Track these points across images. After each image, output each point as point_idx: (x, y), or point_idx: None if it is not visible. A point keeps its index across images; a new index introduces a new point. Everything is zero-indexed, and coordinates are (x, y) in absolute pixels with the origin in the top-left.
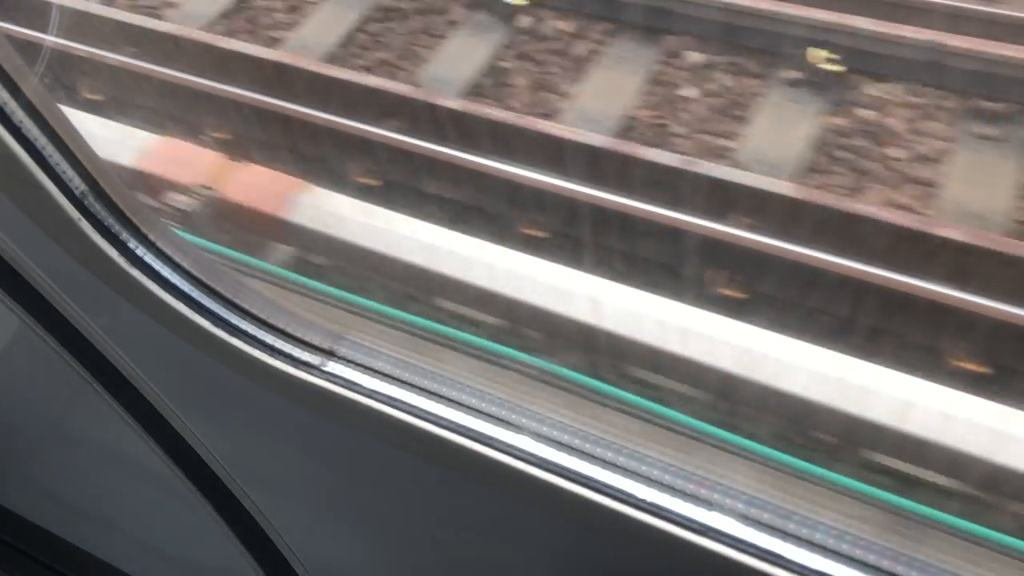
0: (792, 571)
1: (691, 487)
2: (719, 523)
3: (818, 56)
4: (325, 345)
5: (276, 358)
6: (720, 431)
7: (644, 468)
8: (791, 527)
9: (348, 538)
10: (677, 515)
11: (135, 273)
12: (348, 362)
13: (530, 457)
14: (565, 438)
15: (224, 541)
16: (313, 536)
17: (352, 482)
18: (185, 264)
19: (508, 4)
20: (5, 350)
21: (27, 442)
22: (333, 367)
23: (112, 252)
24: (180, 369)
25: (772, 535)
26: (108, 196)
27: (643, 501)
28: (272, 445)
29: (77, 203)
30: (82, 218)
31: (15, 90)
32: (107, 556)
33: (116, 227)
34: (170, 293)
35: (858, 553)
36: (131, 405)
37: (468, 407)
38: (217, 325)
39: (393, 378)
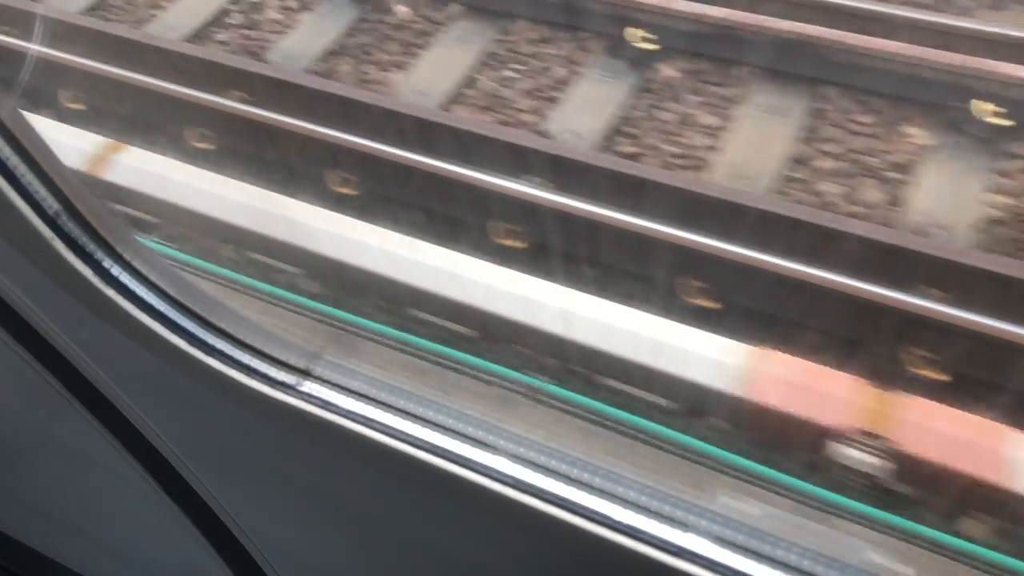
0: None
1: (667, 508)
2: (694, 544)
3: None
4: (301, 365)
5: (252, 377)
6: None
7: (620, 489)
8: (765, 548)
9: (325, 555)
10: (653, 537)
11: (110, 292)
12: (324, 382)
13: (506, 478)
14: (542, 459)
15: (203, 555)
16: (292, 553)
17: (329, 501)
18: (160, 283)
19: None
20: None
21: (2, 456)
22: (309, 387)
23: (86, 271)
24: (156, 387)
25: (746, 556)
26: (82, 215)
27: (619, 523)
28: (249, 462)
29: (51, 223)
30: (56, 238)
31: None
32: (83, 569)
33: (90, 246)
34: (145, 312)
35: (832, 575)
36: (108, 421)
37: (445, 427)
38: (192, 344)
39: (369, 398)
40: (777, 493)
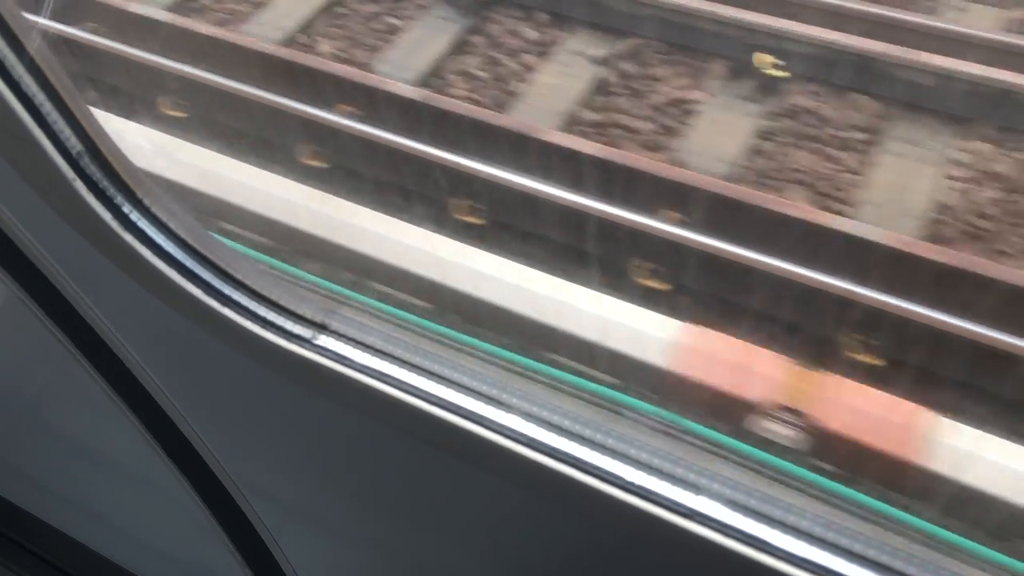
0: (777, 556)
1: (679, 471)
2: (706, 507)
3: None
4: (317, 319)
5: (267, 330)
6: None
7: (633, 451)
8: (777, 513)
9: (330, 514)
10: (665, 498)
11: (128, 238)
12: (340, 336)
13: (519, 436)
14: (555, 419)
15: (199, 515)
16: (294, 516)
17: (339, 459)
18: (179, 231)
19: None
20: None
21: (4, 414)
22: (324, 340)
23: (105, 215)
24: (167, 341)
25: (758, 520)
26: (104, 157)
27: (631, 483)
28: (258, 420)
29: (72, 163)
30: (77, 178)
31: (18, 46)
32: (80, 536)
33: (111, 190)
34: (163, 260)
35: (843, 542)
36: (115, 379)
37: (459, 385)
38: (209, 295)
39: (385, 353)
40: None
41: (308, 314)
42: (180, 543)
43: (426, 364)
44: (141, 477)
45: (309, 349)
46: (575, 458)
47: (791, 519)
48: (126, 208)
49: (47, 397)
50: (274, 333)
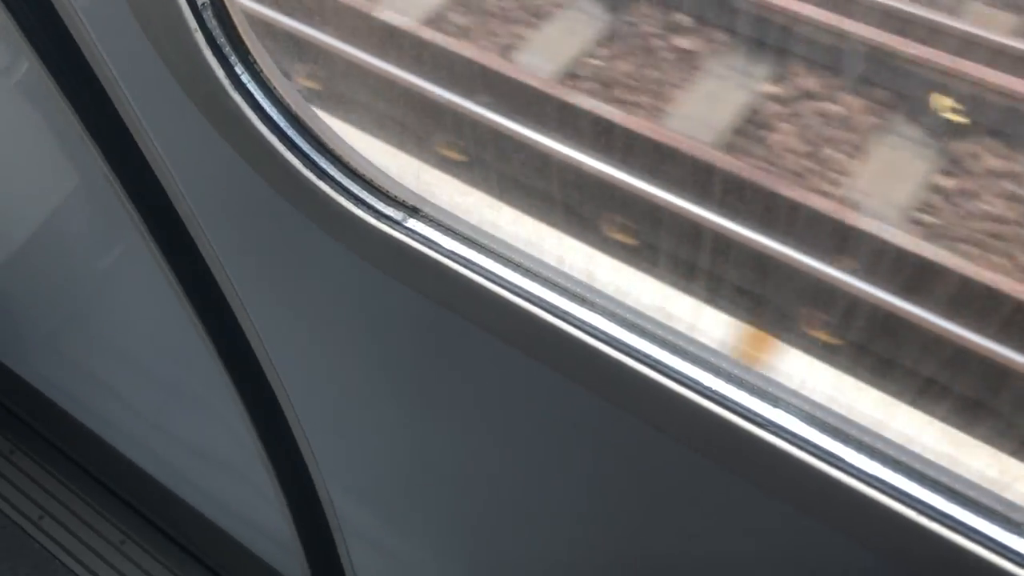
0: (850, 473)
1: (759, 383)
2: (782, 419)
3: None
4: (410, 203)
5: (360, 208)
6: None
7: (712, 357)
8: (853, 432)
9: (378, 416)
10: (740, 406)
11: (236, 97)
12: (430, 221)
13: (600, 334)
14: (636, 319)
15: (240, 425)
16: (332, 420)
17: (412, 353)
18: (286, 100)
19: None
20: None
21: (67, 297)
22: (414, 224)
23: (218, 71)
24: (249, 215)
25: (834, 437)
26: (228, 15)
27: (707, 388)
28: (329, 308)
29: (197, 14)
30: (198, 29)
31: None
32: (117, 443)
33: (227, 48)
34: (266, 125)
35: (917, 466)
36: (180, 260)
37: (543, 278)
38: (306, 166)
39: (474, 242)
40: None
41: (401, 197)
42: (217, 450)
43: (512, 255)
44: (187, 370)
45: (399, 230)
46: (651, 358)
47: (866, 439)
48: (238, 68)
49: (111, 282)
50: (365, 211)
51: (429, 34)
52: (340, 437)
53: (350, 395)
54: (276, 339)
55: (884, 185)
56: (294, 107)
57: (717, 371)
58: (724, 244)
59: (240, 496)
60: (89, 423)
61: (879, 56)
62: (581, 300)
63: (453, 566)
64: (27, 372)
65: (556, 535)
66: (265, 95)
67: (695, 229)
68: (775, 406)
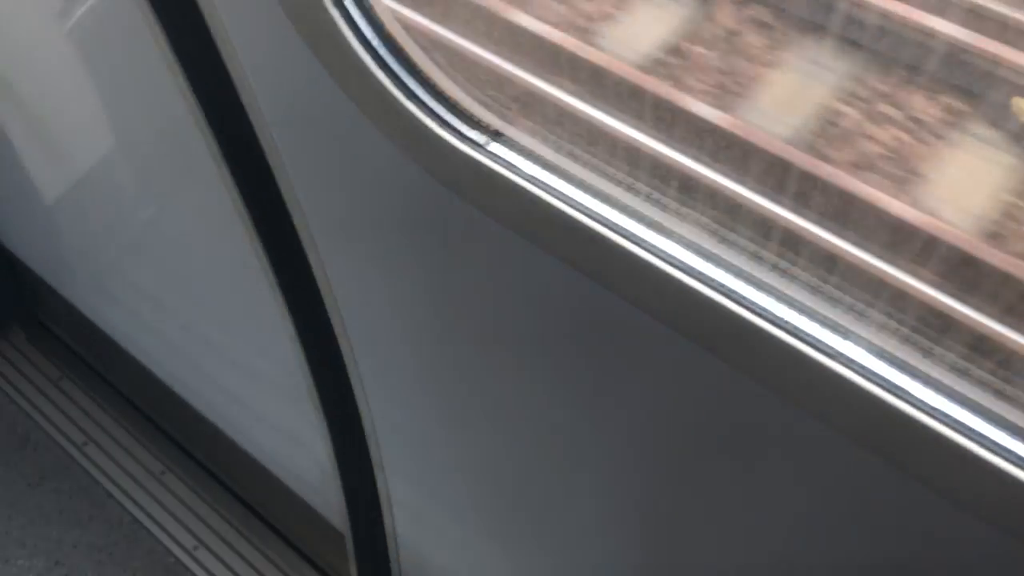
0: (912, 404)
1: (829, 316)
2: (851, 351)
3: None
4: (493, 126)
5: (442, 128)
6: None
7: (783, 285)
8: (922, 366)
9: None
10: (809, 336)
11: (334, 13)
12: (514, 144)
13: (677, 262)
14: (717, 250)
15: (290, 353)
16: (386, 353)
17: (480, 281)
18: (376, 11)
19: None
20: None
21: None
22: (496, 148)
23: None
24: (325, 131)
25: (901, 371)
26: None
27: (777, 317)
28: (399, 232)
29: None
30: None
31: None
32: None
33: None
34: (358, 39)
35: (983, 400)
36: (245, 167)
37: (625, 207)
38: (394, 83)
39: (558, 169)
40: None
41: (485, 120)
42: (264, 382)
43: (595, 182)
44: (241, 295)
45: (481, 153)
46: (730, 290)
47: (934, 374)
48: None
49: (172, 202)
50: (447, 131)
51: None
52: (392, 372)
53: (406, 323)
54: (337, 262)
55: (961, 190)
56: (384, 20)
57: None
58: (793, 240)
59: (283, 433)
60: (137, 354)
61: (962, 56)
62: (659, 228)
63: (492, 517)
64: (77, 299)
65: (608, 486)
66: (358, 8)
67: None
68: (845, 337)
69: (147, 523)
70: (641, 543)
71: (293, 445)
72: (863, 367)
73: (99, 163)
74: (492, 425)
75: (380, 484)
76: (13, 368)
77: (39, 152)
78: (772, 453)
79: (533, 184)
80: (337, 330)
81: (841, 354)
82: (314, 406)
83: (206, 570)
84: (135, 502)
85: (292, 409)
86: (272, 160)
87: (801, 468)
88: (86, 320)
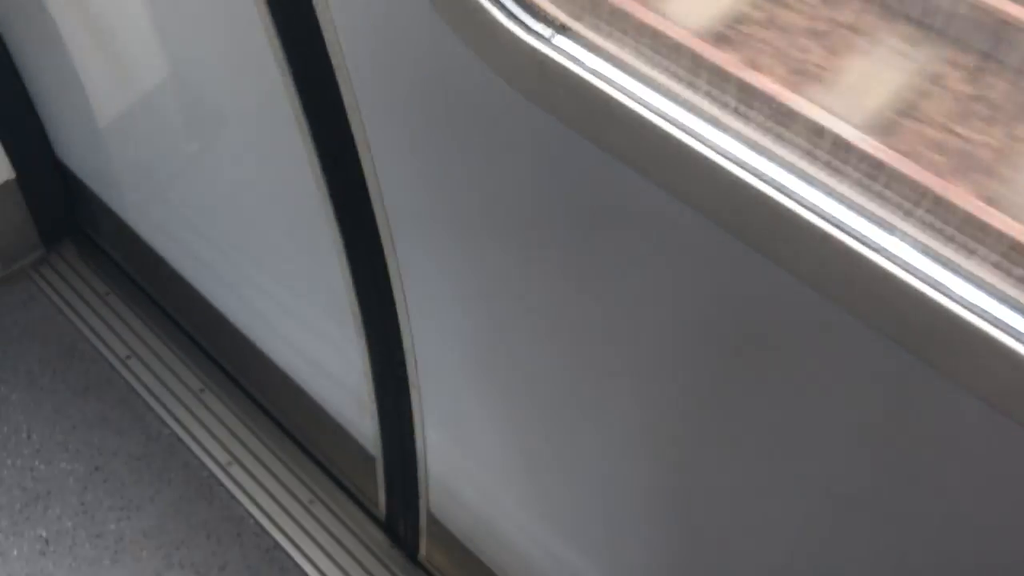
0: (954, 300)
1: (877, 213)
2: (896, 247)
3: None
4: (559, 21)
5: (509, 19)
6: None
7: (831, 182)
8: (963, 263)
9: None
10: (855, 231)
11: None
12: (579, 38)
13: (730, 155)
14: (765, 143)
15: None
16: (434, 267)
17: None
18: None
19: None
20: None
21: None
22: (560, 41)
23: None
24: (386, 25)
25: (944, 268)
26: None
27: (825, 212)
28: (454, 127)
29: None
30: None
31: None
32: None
33: None
34: None
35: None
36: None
37: (693, 105)
38: None
39: (623, 63)
40: None
41: (551, 14)
42: (306, 299)
43: (659, 79)
44: (290, 204)
45: (545, 44)
46: (784, 186)
47: (974, 269)
48: None
49: (226, 109)
50: (513, 23)
51: None
52: (436, 287)
53: (453, 230)
54: (389, 166)
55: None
56: None
57: None
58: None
59: (323, 353)
60: (182, 271)
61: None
62: (718, 124)
63: (523, 449)
64: (129, 216)
65: (646, 407)
66: None
67: None
68: (891, 233)
69: (184, 437)
70: (675, 466)
71: (332, 365)
72: (907, 263)
73: (162, 82)
74: (530, 349)
75: (415, 407)
76: (63, 281)
77: (102, 68)
78: (810, 352)
79: (597, 78)
80: (385, 245)
81: (885, 248)
82: (355, 324)
83: (239, 485)
84: (174, 416)
85: (334, 328)
86: (334, 58)
87: (838, 368)
88: (136, 237)
